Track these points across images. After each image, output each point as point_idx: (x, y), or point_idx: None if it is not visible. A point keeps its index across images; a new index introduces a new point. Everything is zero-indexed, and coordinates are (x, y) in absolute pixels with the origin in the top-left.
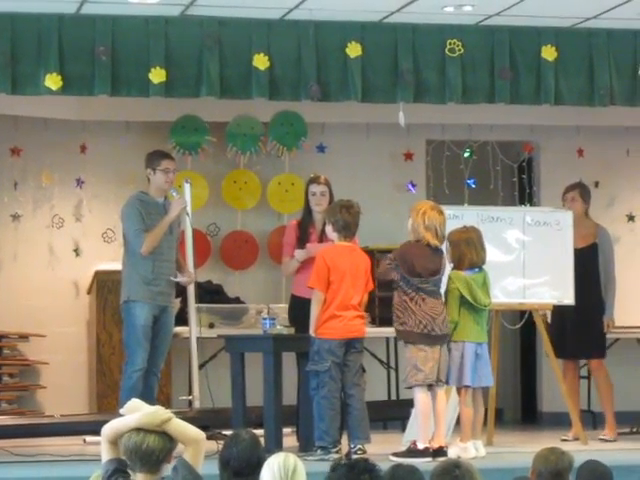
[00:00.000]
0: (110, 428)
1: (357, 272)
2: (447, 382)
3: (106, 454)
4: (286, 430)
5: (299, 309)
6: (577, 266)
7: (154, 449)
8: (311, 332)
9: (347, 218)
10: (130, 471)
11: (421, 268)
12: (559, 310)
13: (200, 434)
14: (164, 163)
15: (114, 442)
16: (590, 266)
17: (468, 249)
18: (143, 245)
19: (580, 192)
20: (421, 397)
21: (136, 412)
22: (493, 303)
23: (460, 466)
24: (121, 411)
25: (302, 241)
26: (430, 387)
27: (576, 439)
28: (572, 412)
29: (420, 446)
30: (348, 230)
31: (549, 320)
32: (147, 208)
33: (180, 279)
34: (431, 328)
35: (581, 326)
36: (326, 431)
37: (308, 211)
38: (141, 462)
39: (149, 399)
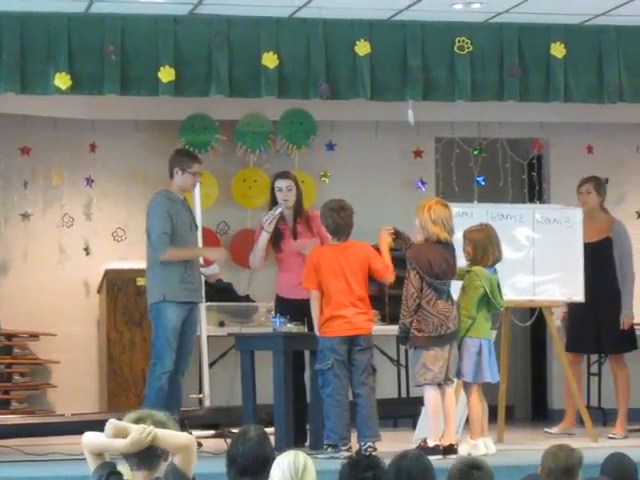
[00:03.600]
0: (95, 446)
1: (351, 268)
2: (463, 378)
3: (93, 462)
4: None
5: (282, 308)
6: (590, 260)
7: (150, 447)
8: (316, 331)
9: (338, 221)
10: (127, 468)
11: (438, 268)
12: (571, 304)
13: (188, 439)
14: (195, 167)
15: (100, 454)
16: (603, 260)
17: (491, 246)
18: (164, 254)
19: (594, 185)
20: (431, 395)
21: (120, 435)
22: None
23: (481, 468)
24: (104, 434)
25: (276, 238)
26: (439, 385)
27: (566, 434)
28: (569, 407)
29: (430, 444)
30: (340, 232)
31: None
32: (175, 207)
33: (208, 270)
34: (446, 327)
35: (595, 321)
36: (332, 429)
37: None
38: (138, 458)
39: (176, 398)
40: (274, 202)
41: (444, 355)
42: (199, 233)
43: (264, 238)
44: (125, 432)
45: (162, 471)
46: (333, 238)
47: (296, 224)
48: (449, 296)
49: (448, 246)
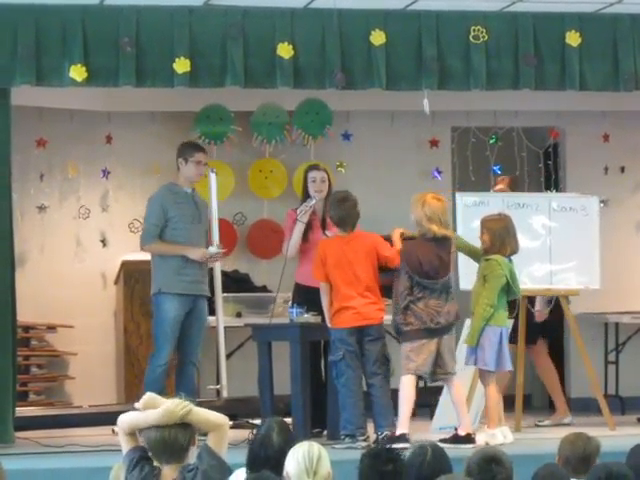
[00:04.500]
0: (128, 423)
1: (357, 258)
2: (484, 366)
3: (126, 444)
4: None
5: (302, 296)
6: None
7: (177, 439)
8: (327, 323)
9: (339, 212)
10: (156, 463)
11: (428, 266)
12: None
13: (222, 418)
14: (197, 155)
15: (133, 434)
16: None
17: (509, 237)
18: (148, 245)
19: (508, 182)
20: (405, 382)
21: (152, 408)
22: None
23: (500, 462)
24: (136, 405)
25: (305, 229)
26: (420, 378)
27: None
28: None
29: (397, 432)
30: (344, 224)
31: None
32: (176, 198)
33: (213, 249)
34: (437, 322)
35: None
36: (348, 419)
37: (307, 198)
38: (167, 454)
39: (189, 389)
40: (306, 193)
41: (430, 348)
42: (215, 225)
43: (300, 228)
44: (158, 405)
45: (192, 457)
46: (340, 230)
47: (326, 215)
48: (442, 292)
49: (444, 241)
